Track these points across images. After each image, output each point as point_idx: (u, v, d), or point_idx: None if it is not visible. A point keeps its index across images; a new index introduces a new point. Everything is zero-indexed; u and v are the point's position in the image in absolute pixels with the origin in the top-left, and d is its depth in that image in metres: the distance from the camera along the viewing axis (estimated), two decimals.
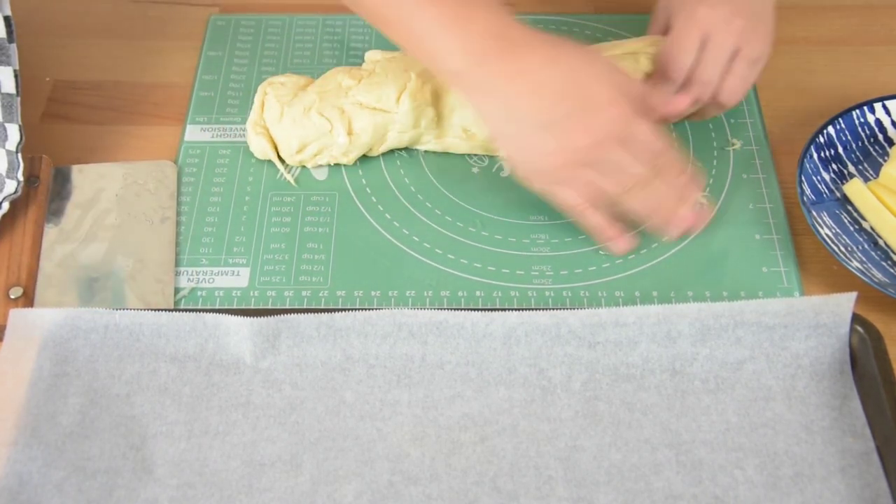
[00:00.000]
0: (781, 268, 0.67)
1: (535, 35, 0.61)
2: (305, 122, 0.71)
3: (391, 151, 0.74)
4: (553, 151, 0.61)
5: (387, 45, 0.82)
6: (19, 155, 0.69)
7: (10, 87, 0.69)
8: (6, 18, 0.67)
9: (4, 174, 0.69)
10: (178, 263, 0.68)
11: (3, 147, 0.69)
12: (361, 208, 0.71)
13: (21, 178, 0.69)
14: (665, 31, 0.72)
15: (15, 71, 0.68)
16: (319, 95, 0.72)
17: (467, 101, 0.63)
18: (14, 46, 0.68)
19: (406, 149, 0.74)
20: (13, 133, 0.69)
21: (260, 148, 0.72)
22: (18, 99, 0.69)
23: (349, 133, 0.71)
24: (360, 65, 0.75)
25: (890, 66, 0.80)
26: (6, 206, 0.67)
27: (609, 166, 0.62)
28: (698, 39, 0.68)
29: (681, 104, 0.66)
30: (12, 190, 0.68)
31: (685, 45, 0.68)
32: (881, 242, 0.67)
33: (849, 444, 0.56)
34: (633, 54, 0.72)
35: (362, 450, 0.57)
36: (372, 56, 0.75)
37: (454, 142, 0.73)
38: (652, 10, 0.75)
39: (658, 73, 0.70)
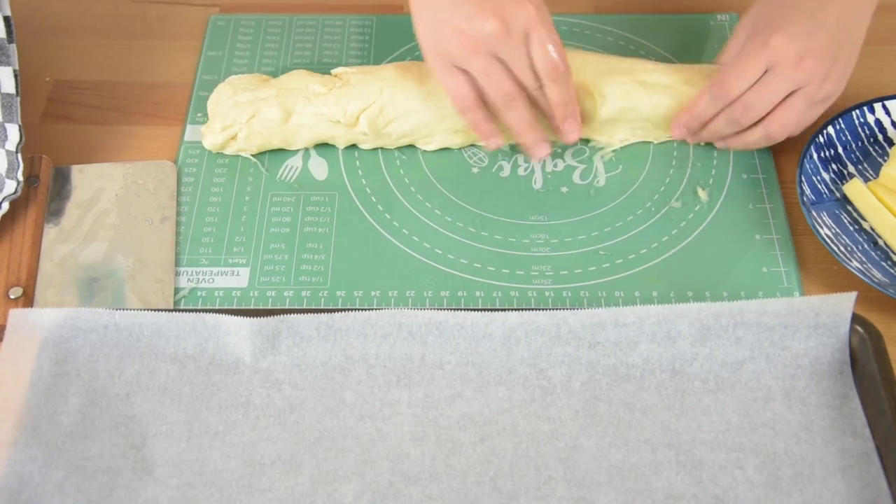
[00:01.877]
0: (781, 268, 0.67)
1: None
2: (245, 107, 0.72)
3: (391, 151, 0.74)
4: (460, 28, 0.63)
5: (387, 43, 0.82)
6: (19, 155, 0.69)
7: (9, 87, 0.69)
8: (6, 19, 0.67)
9: (4, 174, 0.69)
10: (177, 263, 0.68)
11: (3, 147, 0.69)
12: (361, 208, 0.71)
13: (21, 178, 0.69)
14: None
15: (15, 71, 0.68)
16: (278, 91, 0.72)
17: None
18: (14, 47, 0.68)
19: (405, 149, 0.74)
20: (13, 133, 0.69)
21: (212, 141, 0.73)
22: (18, 99, 0.69)
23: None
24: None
25: (890, 66, 0.80)
26: (6, 206, 0.67)
27: (507, 62, 0.64)
28: (762, 68, 0.66)
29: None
30: (12, 190, 0.68)
31: (744, 69, 0.67)
32: (881, 242, 0.67)
33: (849, 444, 0.56)
34: (662, 86, 0.71)
35: (362, 450, 0.57)
36: (341, 70, 0.74)
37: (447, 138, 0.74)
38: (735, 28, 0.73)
39: (710, 85, 0.69)
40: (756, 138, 0.70)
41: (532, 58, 0.64)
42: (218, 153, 0.74)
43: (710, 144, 0.74)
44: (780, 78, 0.66)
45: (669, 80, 0.72)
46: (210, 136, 0.73)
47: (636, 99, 0.71)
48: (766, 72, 0.67)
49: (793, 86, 0.66)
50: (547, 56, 0.64)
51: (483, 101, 0.67)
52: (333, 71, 0.74)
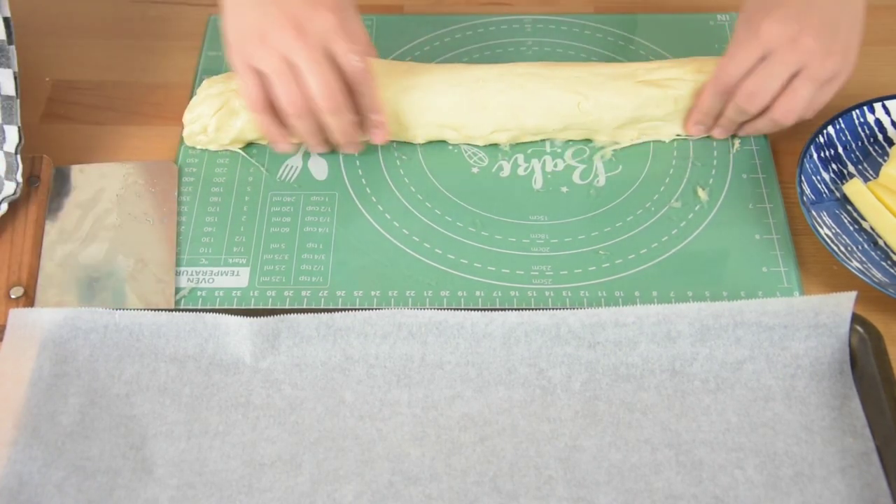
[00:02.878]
0: (781, 268, 0.67)
1: None
2: (214, 99, 0.72)
3: (391, 151, 0.74)
4: (260, 31, 0.64)
5: (387, 43, 0.82)
6: (18, 157, 0.69)
7: (9, 89, 0.69)
8: (5, 20, 0.67)
9: (3, 176, 0.69)
10: (177, 263, 0.68)
11: (2, 149, 0.69)
12: (361, 208, 0.71)
13: (20, 179, 0.69)
14: None
15: (14, 73, 0.68)
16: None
17: None
18: (13, 48, 0.68)
19: (406, 149, 0.74)
20: (12, 135, 0.69)
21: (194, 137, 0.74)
22: (18, 101, 0.69)
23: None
24: None
25: (890, 66, 0.80)
26: (5, 206, 0.67)
27: (302, 68, 0.64)
28: (758, 55, 0.67)
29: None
30: (11, 191, 0.68)
31: (740, 58, 0.67)
32: (881, 242, 0.67)
33: (849, 444, 0.56)
34: (672, 80, 0.72)
35: (362, 450, 0.57)
36: None
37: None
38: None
39: (712, 80, 0.70)
40: (764, 125, 0.71)
41: (340, 68, 0.66)
42: (216, 152, 0.74)
43: (708, 145, 0.74)
44: (778, 62, 0.66)
45: (678, 72, 0.72)
46: (185, 127, 0.73)
47: (647, 98, 0.71)
48: (764, 59, 0.67)
49: (792, 68, 0.66)
50: (349, 66, 0.66)
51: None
52: None
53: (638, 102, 0.72)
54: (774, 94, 0.68)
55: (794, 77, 0.67)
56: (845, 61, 0.67)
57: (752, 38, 0.67)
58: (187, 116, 0.73)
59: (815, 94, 0.68)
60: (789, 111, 0.68)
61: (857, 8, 0.68)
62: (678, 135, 0.74)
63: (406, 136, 0.74)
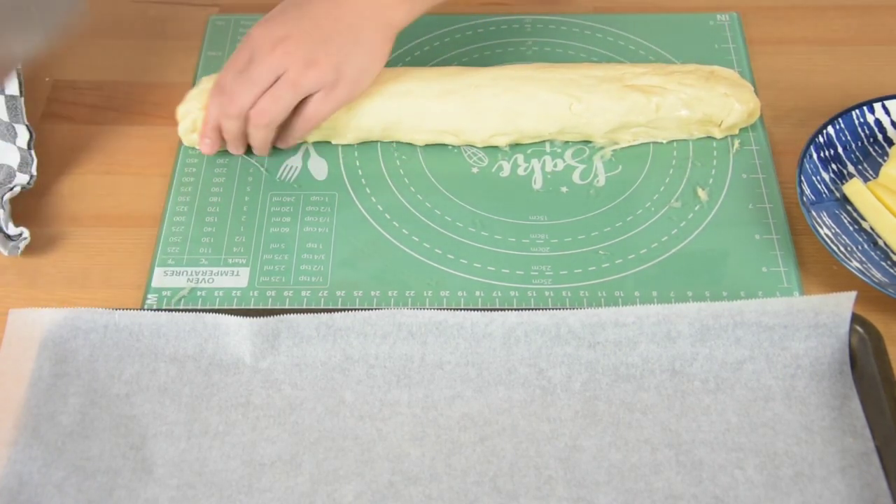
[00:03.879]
0: (781, 268, 0.67)
1: None
2: (207, 94, 0.72)
3: (391, 151, 0.74)
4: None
5: None
6: (32, 151, 0.69)
7: (13, 89, 0.69)
8: None
9: (17, 168, 0.69)
10: (178, 263, 0.67)
11: (14, 143, 0.69)
12: (361, 208, 0.71)
13: (35, 172, 0.69)
14: None
15: (18, 72, 0.69)
16: None
17: None
18: None
19: (406, 149, 0.74)
20: (22, 131, 0.69)
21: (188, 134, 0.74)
22: (22, 100, 0.70)
23: None
24: None
25: (890, 66, 0.80)
26: (17, 189, 0.68)
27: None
28: (246, 58, 0.68)
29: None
30: (25, 181, 0.69)
31: (231, 63, 0.69)
32: (881, 242, 0.67)
33: (849, 444, 0.56)
34: (655, 87, 0.72)
35: (362, 450, 0.57)
36: None
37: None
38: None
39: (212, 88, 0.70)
40: (251, 132, 0.70)
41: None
42: (218, 152, 0.74)
43: (708, 145, 0.74)
44: (257, 63, 0.67)
45: (661, 80, 0.72)
46: (179, 124, 0.73)
47: (632, 103, 0.71)
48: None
49: (271, 71, 0.67)
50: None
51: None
52: None
53: (625, 107, 0.71)
54: (255, 96, 0.67)
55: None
56: (337, 77, 0.67)
57: (243, 43, 0.68)
58: (180, 110, 0.73)
59: (295, 100, 0.67)
60: (262, 112, 0.67)
61: (361, 35, 0.68)
62: (673, 139, 0.74)
63: (406, 139, 0.74)
